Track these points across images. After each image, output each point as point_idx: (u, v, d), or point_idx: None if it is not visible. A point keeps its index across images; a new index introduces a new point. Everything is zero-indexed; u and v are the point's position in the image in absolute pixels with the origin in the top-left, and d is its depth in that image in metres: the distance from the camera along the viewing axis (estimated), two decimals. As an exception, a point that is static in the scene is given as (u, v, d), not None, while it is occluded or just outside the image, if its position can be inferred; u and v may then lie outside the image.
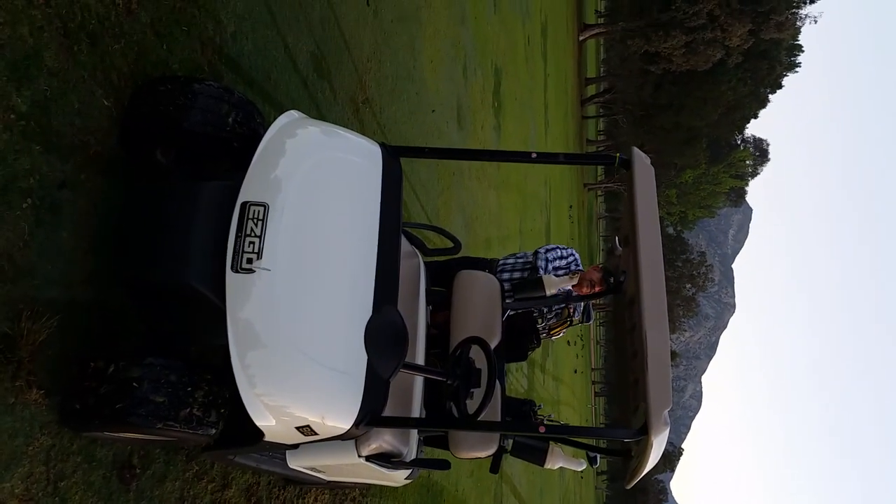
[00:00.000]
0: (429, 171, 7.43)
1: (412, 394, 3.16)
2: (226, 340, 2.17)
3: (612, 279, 3.66)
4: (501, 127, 12.23)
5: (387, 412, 2.52)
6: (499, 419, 3.31)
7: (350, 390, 2.32)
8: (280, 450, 2.86)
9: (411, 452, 3.26)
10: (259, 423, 2.26)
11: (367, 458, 2.94)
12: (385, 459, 3.04)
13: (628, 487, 3.17)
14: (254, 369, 2.18)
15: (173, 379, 2.17)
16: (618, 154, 2.87)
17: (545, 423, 3.27)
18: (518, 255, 4.37)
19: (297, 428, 2.34)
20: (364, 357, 2.38)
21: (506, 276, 4.19)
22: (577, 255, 4.34)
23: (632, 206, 2.76)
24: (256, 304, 2.18)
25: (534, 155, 2.93)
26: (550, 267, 4.15)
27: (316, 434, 2.39)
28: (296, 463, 3.07)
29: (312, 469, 3.25)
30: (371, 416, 2.38)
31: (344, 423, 2.33)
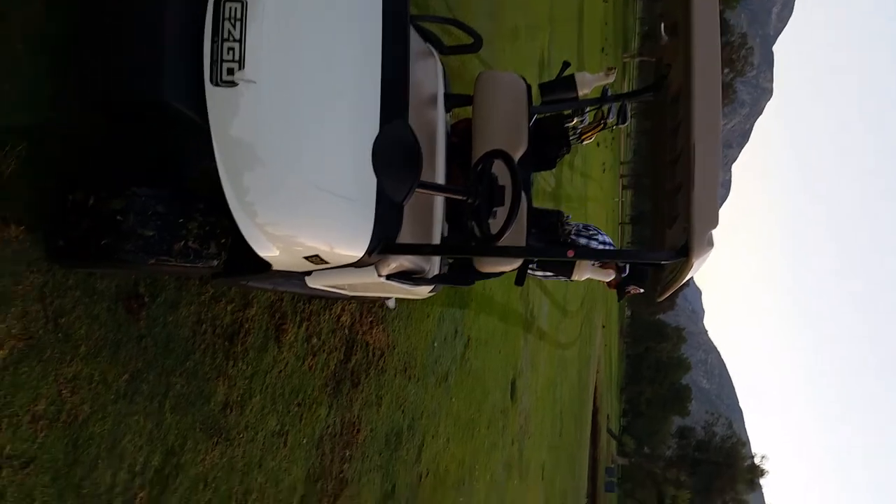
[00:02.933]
0: (447, -49, 6.58)
1: (433, 211, 2.93)
2: (215, 163, 1.92)
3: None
4: None
5: (405, 232, 2.32)
6: (524, 237, 3.11)
7: (360, 217, 2.10)
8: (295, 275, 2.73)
9: (433, 269, 3.13)
10: (263, 254, 2.07)
11: (388, 277, 2.81)
12: (406, 277, 2.91)
13: (659, 300, 3.04)
14: (251, 196, 1.95)
15: (161, 210, 1.96)
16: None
17: (572, 241, 3.06)
18: None
19: (306, 258, 2.16)
20: (373, 180, 2.12)
21: None
22: None
23: None
24: (243, 122, 1.88)
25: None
26: None
27: (326, 263, 2.22)
28: (315, 283, 2.96)
29: (333, 287, 3.16)
30: (384, 243, 2.18)
31: (355, 252, 2.14)
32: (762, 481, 64.22)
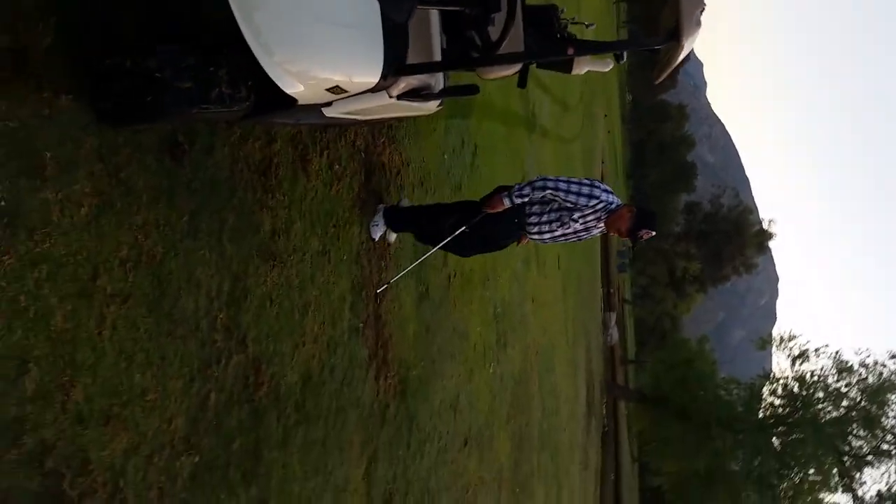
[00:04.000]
0: None
1: (430, 27, 3.02)
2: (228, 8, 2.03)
3: None
4: None
5: (409, 52, 2.45)
6: (521, 40, 3.20)
7: (370, 44, 2.23)
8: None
9: (439, 83, 3.27)
10: (288, 91, 2.25)
11: (399, 97, 2.98)
12: (415, 94, 3.07)
13: (657, 82, 3.20)
14: (265, 36, 2.08)
15: (192, 62, 2.11)
16: None
17: (568, 36, 3.16)
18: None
19: (328, 89, 2.33)
20: (375, 4, 2.23)
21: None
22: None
23: None
24: None
25: None
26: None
27: (346, 91, 2.39)
28: (332, 112, 3.14)
29: (348, 113, 3.34)
30: (396, 65, 2.34)
31: (372, 78, 2.31)
32: (770, 244, 67.04)
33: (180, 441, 2.58)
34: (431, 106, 3.58)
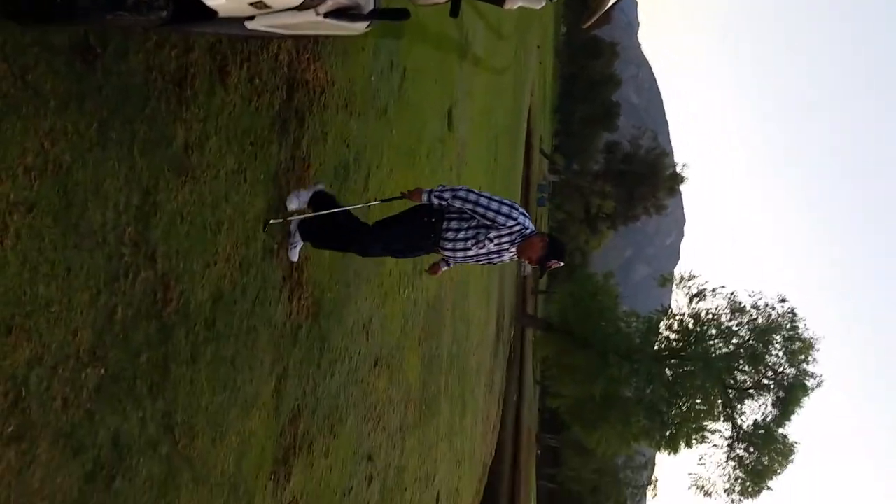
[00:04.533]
0: None
1: None
2: None
3: None
4: None
5: None
6: None
7: None
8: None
9: (369, 4, 3.20)
10: (209, 3, 2.16)
11: (326, 16, 2.90)
12: (343, 14, 3.00)
13: (585, 26, 3.25)
14: None
15: None
16: None
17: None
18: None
19: (251, 4, 2.25)
20: None
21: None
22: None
23: None
24: None
25: None
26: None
27: (270, 7, 2.32)
28: (255, 25, 3.03)
29: (272, 27, 3.22)
30: None
31: None
32: (682, 188, 69.78)
33: (86, 353, 2.57)
34: (360, 27, 3.49)
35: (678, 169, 67.74)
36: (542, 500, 61.17)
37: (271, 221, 4.14)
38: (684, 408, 27.57)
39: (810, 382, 26.21)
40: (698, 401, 27.39)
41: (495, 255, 4.26)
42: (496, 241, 4.14)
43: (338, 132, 5.30)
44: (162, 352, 3.04)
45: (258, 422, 4.11)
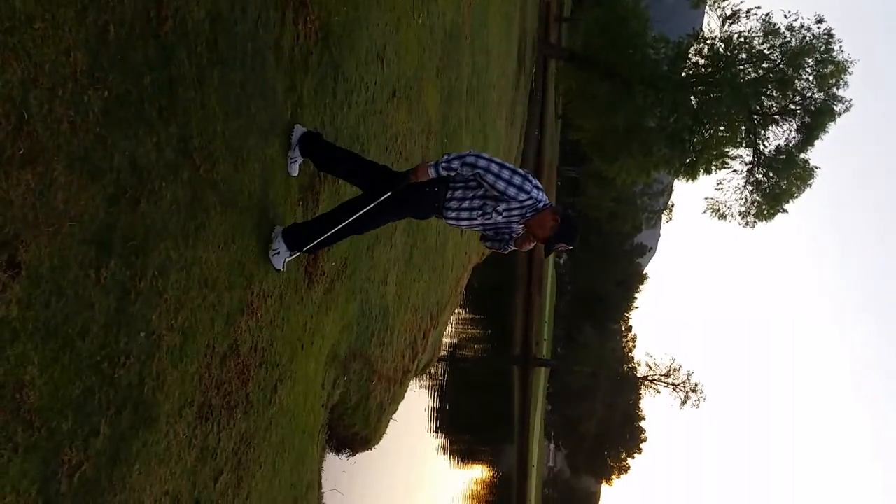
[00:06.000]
0: None
1: None
2: None
3: None
4: None
5: None
6: None
7: None
8: None
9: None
10: None
11: None
12: None
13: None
14: None
15: None
16: None
17: None
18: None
19: None
20: None
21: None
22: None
23: None
24: None
25: None
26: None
27: None
28: None
29: None
30: None
31: None
32: None
33: (83, 75, 2.43)
34: None
35: None
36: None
37: None
38: (707, 135, 27.36)
39: (838, 107, 25.48)
40: (721, 128, 27.05)
41: (504, 227, 3.91)
42: (505, 214, 3.74)
43: None
44: (166, 74, 2.89)
45: (278, 149, 4.09)
